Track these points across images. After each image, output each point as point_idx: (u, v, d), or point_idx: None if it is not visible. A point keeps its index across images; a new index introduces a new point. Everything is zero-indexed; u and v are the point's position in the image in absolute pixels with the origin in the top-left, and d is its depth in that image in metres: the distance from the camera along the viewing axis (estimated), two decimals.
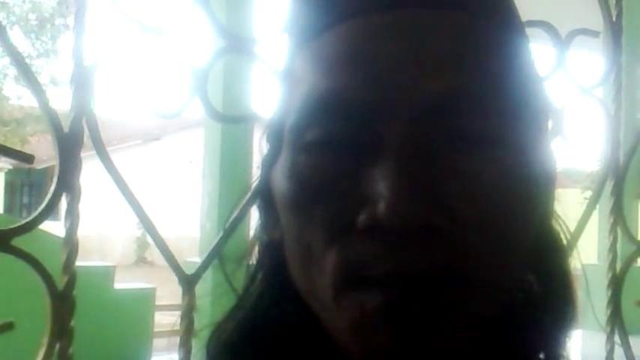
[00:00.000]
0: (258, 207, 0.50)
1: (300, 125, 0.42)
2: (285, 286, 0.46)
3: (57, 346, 1.08)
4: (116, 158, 1.26)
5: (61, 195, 1.09)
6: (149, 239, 1.25)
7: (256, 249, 0.51)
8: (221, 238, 1.24)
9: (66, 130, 1.09)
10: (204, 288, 1.22)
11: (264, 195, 0.48)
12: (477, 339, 0.42)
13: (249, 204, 0.51)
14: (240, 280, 0.52)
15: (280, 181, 0.44)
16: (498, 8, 0.44)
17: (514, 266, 0.42)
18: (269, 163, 0.47)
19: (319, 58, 0.43)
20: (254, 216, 0.53)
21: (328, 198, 0.41)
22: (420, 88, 0.39)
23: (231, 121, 1.44)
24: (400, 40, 0.41)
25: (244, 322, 0.49)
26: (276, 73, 1.21)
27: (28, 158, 1.13)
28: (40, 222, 1.08)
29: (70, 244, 1.08)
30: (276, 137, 0.46)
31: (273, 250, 0.48)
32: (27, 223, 1.07)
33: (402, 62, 0.40)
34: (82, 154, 1.11)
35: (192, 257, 4.04)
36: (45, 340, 1.07)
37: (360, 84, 0.40)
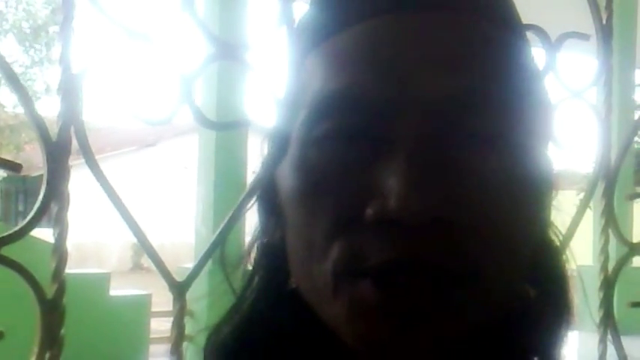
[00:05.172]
0: (259, 208, 0.49)
1: (311, 119, 0.42)
2: (283, 288, 0.46)
3: (47, 355, 1.07)
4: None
5: (49, 203, 1.09)
6: None
7: (253, 252, 0.50)
8: (212, 245, 1.23)
9: (54, 138, 1.09)
10: (200, 293, 1.22)
11: (267, 195, 0.48)
12: (472, 340, 0.41)
13: (244, 207, 0.50)
14: (236, 284, 0.51)
15: (287, 176, 0.44)
16: (507, 14, 0.45)
17: (520, 267, 0.42)
18: (273, 163, 0.47)
19: (333, 56, 0.43)
20: (249, 222, 0.53)
21: (336, 190, 0.41)
22: (434, 87, 0.40)
23: (221, 128, 1.44)
24: (416, 40, 0.41)
25: (241, 325, 0.49)
26: (276, 76, 1.21)
27: (16, 167, 1.13)
28: (29, 230, 1.08)
29: (59, 252, 1.08)
30: (282, 136, 0.46)
31: (271, 251, 0.48)
32: (15, 232, 1.06)
33: (417, 61, 0.41)
34: (76, 162, 1.11)
35: (187, 263, 4.03)
36: (35, 350, 1.06)
37: (374, 80, 0.41)
